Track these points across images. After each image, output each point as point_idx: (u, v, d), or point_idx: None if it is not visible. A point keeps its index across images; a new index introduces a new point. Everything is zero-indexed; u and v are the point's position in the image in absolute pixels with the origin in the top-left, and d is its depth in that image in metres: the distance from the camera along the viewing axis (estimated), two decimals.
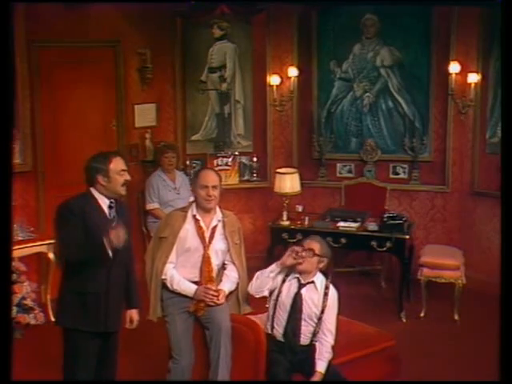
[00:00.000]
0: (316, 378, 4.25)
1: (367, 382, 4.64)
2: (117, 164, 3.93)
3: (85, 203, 3.85)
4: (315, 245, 4.45)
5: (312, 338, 4.37)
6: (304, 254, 4.39)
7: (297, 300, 4.38)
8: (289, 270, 4.46)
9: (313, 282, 4.43)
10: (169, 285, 4.39)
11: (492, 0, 6.07)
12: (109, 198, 3.94)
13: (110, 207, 3.93)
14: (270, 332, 4.40)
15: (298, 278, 4.43)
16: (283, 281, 4.45)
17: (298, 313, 4.36)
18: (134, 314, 4.20)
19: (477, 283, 6.76)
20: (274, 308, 4.42)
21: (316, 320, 4.37)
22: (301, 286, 4.41)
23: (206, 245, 4.43)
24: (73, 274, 3.82)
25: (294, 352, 4.34)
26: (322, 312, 4.36)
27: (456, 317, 6.44)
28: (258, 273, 4.52)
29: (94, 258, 3.73)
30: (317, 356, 4.31)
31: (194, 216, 4.44)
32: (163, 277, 4.40)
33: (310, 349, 4.36)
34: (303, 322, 4.36)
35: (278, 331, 4.38)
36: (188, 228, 4.44)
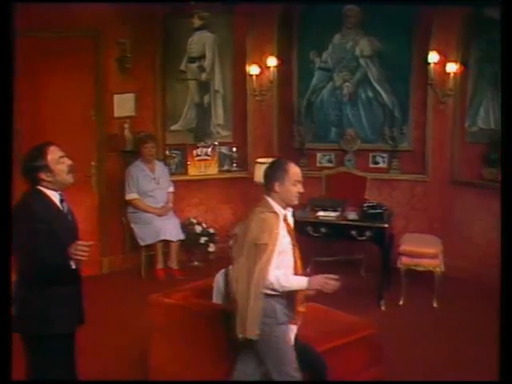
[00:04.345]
0: None
1: (367, 383, 4.69)
2: (53, 154, 3.70)
3: (38, 202, 3.64)
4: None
5: None
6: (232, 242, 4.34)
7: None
8: (226, 270, 4.38)
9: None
10: (277, 287, 3.89)
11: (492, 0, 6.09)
12: (58, 190, 3.75)
13: (61, 201, 3.76)
14: None
15: None
16: (226, 283, 4.35)
17: None
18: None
19: (457, 271, 6.80)
20: None
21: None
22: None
23: (295, 243, 4.05)
24: (38, 279, 3.61)
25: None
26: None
27: (435, 304, 6.49)
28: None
29: (60, 270, 3.58)
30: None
31: (285, 216, 4.01)
32: (267, 283, 3.83)
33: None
34: None
35: None
36: (282, 229, 3.98)
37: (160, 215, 7.41)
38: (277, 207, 3.88)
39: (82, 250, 3.52)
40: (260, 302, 3.82)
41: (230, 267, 4.19)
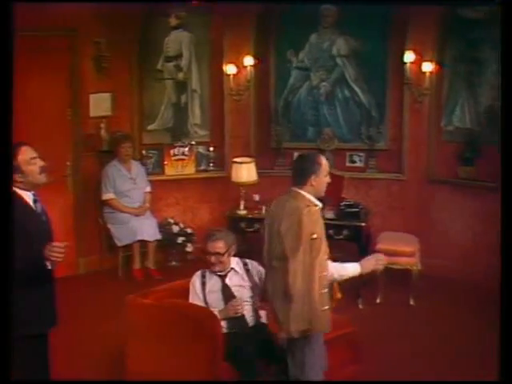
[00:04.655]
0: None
1: (365, 382, 4.75)
2: (25, 154, 3.67)
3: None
4: (218, 245, 4.45)
5: (255, 316, 4.49)
6: (213, 259, 4.45)
7: (225, 291, 4.44)
8: (203, 271, 4.56)
9: (232, 268, 4.52)
10: (336, 277, 3.97)
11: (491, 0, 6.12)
12: (31, 190, 3.72)
13: (34, 201, 3.73)
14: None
15: (216, 273, 4.50)
16: (203, 283, 4.50)
17: (230, 300, 4.43)
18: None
19: (434, 269, 6.85)
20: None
21: (250, 298, 4.46)
22: (223, 277, 4.49)
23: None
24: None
25: (250, 335, 4.35)
26: (254, 288, 4.46)
27: (412, 302, 6.52)
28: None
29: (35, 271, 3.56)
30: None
31: (321, 208, 4.06)
32: (324, 273, 3.85)
33: (263, 329, 4.43)
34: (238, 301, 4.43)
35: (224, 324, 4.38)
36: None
37: (137, 215, 7.36)
38: (314, 200, 3.94)
39: (57, 252, 3.48)
40: (326, 295, 3.85)
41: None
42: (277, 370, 4.31)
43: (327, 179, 3.97)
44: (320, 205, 3.96)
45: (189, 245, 7.70)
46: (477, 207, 7.11)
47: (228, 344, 4.24)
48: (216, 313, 4.36)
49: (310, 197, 3.91)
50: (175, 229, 7.68)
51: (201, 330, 4.27)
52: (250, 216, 7.13)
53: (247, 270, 4.53)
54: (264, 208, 6.96)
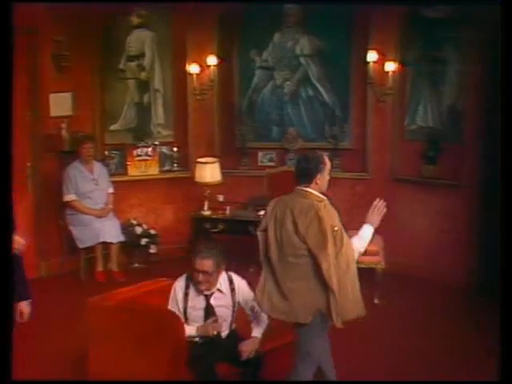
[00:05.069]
0: (252, 340, 4.30)
1: (368, 382, 4.75)
2: None
3: None
4: (207, 264, 4.26)
5: (230, 328, 4.45)
6: (200, 277, 4.26)
7: (208, 310, 4.34)
8: (187, 280, 4.37)
9: (218, 289, 4.38)
10: (361, 250, 4.17)
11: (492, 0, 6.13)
12: None
13: None
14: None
15: (201, 293, 4.35)
16: (186, 294, 4.35)
17: (210, 317, 4.35)
18: (24, 306, 4.00)
19: (398, 267, 6.87)
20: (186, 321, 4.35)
21: (230, 317, 4.42)
22: (208, 297, 4.35)
23: None
24: None
25: (219, 343, 4.31)
26: (235, 306, 4.41)
27: (376, 301, 6.53)
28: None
29: None
30: (254, 324, 4.37)
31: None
32: (352, 260, 4.02)
33: (233, 335, 4.40)
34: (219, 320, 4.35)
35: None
36: None
37: (99, 217, 7.26)
38: (322, 196, 4.05)
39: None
40: (357, 282, 4.02)
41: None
42: (243, 375, 4.31)
43: (328, 177, 4.11)
44: (326, 199, 4.07)
45: (152, 246, 7.61)
46: (440, 205, 7.17)
47: (191, 352, 4.21)
48: (193, 328, 4.29)
49: (318, 193, 4.04)
50: (138, 230, 7.59)
51: (163, 331, 4.22)
52: (214, 216, 7.09)
53: (232, 290, 4.39)
54: (228, 208, 6.94)
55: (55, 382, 3.68)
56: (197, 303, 4.34)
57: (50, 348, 5.44)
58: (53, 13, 7.07)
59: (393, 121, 7.54)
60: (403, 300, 6.60)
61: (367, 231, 4.23)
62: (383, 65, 7.35)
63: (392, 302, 6.54)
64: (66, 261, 7.45)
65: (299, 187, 4.03)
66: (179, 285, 4.39)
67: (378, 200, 4.30)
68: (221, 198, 7.32)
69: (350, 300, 3.94)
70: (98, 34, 7.66)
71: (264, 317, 4.36)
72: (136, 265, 7.61)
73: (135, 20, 7.88)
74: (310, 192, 4.00)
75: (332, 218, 3.95)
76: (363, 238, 4.19)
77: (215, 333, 4.30)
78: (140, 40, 7.93)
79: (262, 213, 6.68)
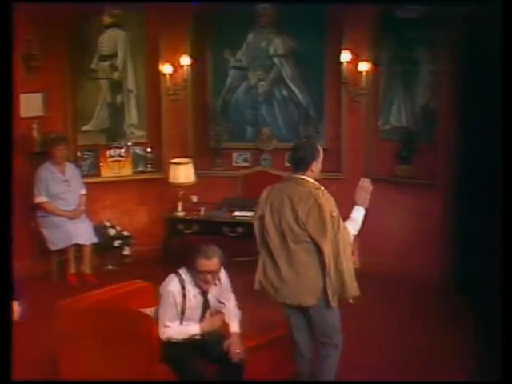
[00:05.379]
0: (235, 337, 4.28)
1: (369, 382, 4.80)
2: None
3: None
4: (214, 263, 4.12)
5: None
6: (209, 278, 4.14)
7: (205, 306, 4.28)
8: (180, 280, 4.23)
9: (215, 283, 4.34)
10: (354, 233, 4.32)
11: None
12: None
13: None
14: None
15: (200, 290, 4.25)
16: (184, 296, 4.19)
17: (206, 311, 4.29)
18: (13, 305, 3.98)
19: (372, 267, 6.85)
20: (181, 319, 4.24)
21: (218, 304, 4.39)
22: (205, 293, 4.26)
23: None
24: None
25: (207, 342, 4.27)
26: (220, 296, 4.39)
27: (350, 300, 6.51)
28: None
29: None
30: (228, 319, 4.35)
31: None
32: (348, 242, 4.26)
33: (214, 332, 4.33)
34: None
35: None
36: None
37: (72, 218, 7.17)
38: (317, 183, 4.18)
39: None
40: (352, 264, 4.27)
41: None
42: (219, 372, 4.28)
43: (321, 164, 4.25)
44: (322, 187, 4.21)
45: (126, 248, 7.56)
46: (414, 205, 7.20)
47: (172, 352, 4.15)
48: (196, 327, 4.19)
49: (313, 181, 4.15)
50: (112, 232, 7.53)
51: (135, 332, 4.20)
52: (188, 218, 7.03)
53: (219, 279, 4.31)
54: (203, 209, 6.90)
55: (55, 382, 3.63)
56: (196, 302, 4.25)
57: (21, 350, 5.34)
58: (23, 12, 6.96)
59: (367, 121, 7.56)
60: (378, 299, 6.60)
61: (359, 213, 4.34)
62: (357, 65, 7.35)
63: (367, 302, 6.53)
64: (37, 263, 7.34)
65: (295, 175, 4.15)
66: (175, 289, 4.17)
67: (362, 179, 4.38)
68: (195, 198, 7.28)
69: (345, 280, 4.15)
70: (69, 34, 7.55)
71: (236, 308, 4.39)
72: (109, 267, 7.54)
73: (107, 19, 7.81)
74: (307, 180, 4.12)
75: (330, 205, 4.10)
76: (356, 221, 4.32)
77: (219, 324, 4.27)
78: (112, 40, 7.86)
79: (236, 213, 6.71)
